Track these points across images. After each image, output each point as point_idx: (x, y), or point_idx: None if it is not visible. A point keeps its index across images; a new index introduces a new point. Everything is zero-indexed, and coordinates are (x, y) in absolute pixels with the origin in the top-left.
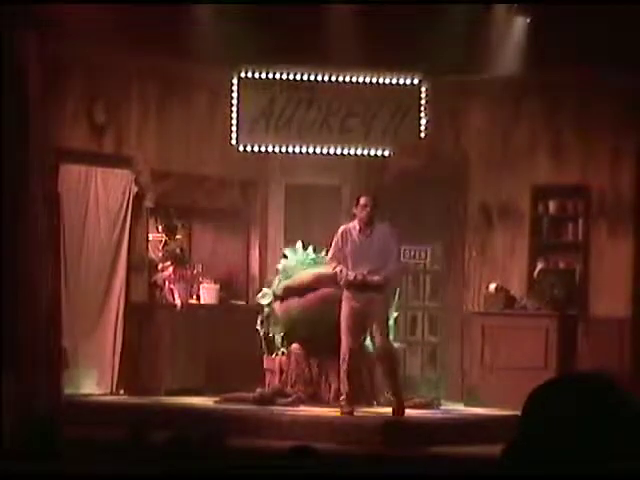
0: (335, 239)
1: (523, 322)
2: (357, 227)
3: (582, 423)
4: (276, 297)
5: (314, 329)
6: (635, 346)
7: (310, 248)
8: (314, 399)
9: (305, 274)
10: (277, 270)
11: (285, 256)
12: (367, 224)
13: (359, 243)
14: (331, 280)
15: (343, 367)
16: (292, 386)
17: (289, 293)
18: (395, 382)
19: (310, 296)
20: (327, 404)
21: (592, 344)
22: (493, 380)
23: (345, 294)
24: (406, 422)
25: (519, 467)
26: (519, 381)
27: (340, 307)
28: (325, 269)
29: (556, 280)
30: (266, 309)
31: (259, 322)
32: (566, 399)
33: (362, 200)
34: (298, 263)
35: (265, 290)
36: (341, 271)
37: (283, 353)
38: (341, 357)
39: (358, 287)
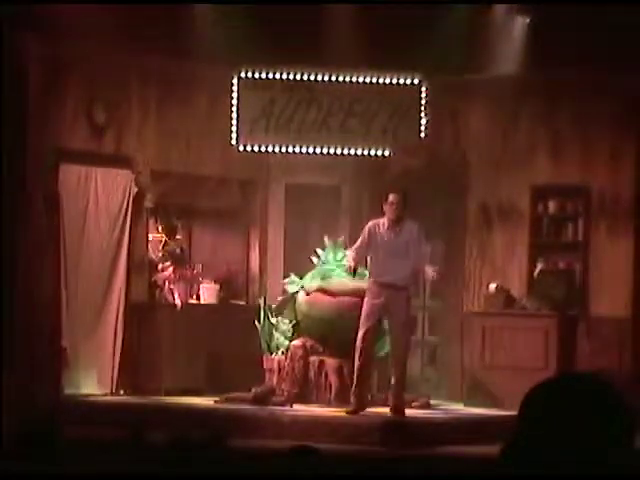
0: (362, 233)
1: (523, 322)
2: (385, 224)
3: (578, 423)
4: (305, 291)
5: (331, 329)
6: (635, 346)
7: (341, 246)
8: (312, 398)
9: (344, 283)
10: (313, 261)
11: (317, 255)
12: (394, 221)
13: (386, 239)
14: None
15: (358, 361)
16: (288, 385)
17: (321, 293)
18: (400, 386)
19: (345, 299)
20: (327, 404)
21: (592, 344)
22: (493, 380)
23: (368, 287)
24: (406, 422)
25: (517, 467)
26: (519, 381)
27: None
28: (362, 283)
29: (556, 280)
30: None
31: (261, 315)
32: (562, 399)
33: (390, 197)
34: (333, 262)
35: (294, 278)
36: (350, 267)
37: (283, 353)
38: (356, 348)
39: (381, 285)
